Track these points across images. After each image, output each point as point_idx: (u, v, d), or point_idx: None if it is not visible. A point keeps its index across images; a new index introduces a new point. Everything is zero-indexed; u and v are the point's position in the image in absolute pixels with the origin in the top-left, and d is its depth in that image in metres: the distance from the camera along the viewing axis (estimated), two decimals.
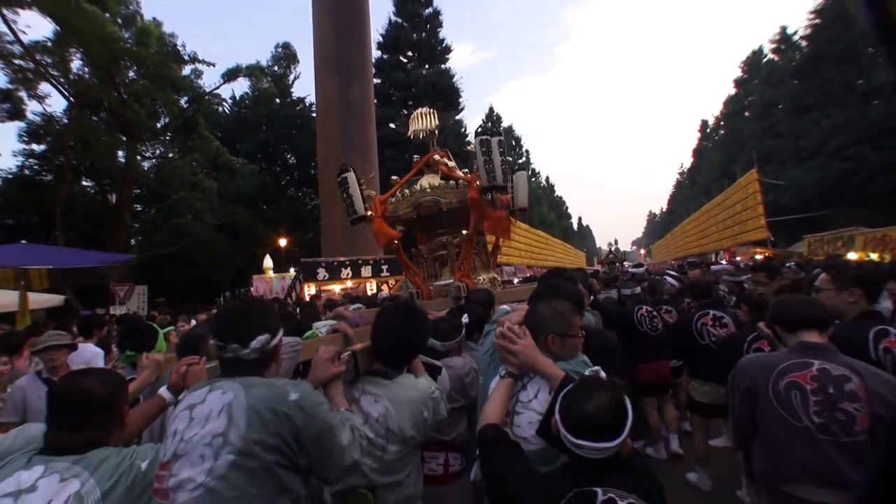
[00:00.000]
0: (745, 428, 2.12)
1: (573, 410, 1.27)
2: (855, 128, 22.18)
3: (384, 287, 13.87)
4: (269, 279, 15.75)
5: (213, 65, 23.40)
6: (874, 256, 11.57)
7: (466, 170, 4.60)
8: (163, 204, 22.68)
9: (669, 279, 6.68)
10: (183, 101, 23.20)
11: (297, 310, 8.32)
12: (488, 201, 4.12)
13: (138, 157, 22.28)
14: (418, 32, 29.12)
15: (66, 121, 19.70)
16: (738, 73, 44.65)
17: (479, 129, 3.82)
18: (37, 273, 6.60)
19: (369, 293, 12.75)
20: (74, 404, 1.39)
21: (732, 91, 45.77)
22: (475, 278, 4.31)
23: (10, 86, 18.04)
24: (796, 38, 31.59)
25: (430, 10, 29.59)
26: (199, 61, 22.56)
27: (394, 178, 4.50)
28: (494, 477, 1.38)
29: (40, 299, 10.00)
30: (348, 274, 13.38)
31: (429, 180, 4.32)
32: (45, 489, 1.26)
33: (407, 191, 4.35)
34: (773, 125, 30.37)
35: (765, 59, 39.27)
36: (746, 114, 39.62)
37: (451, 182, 4.25)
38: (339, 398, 1.74)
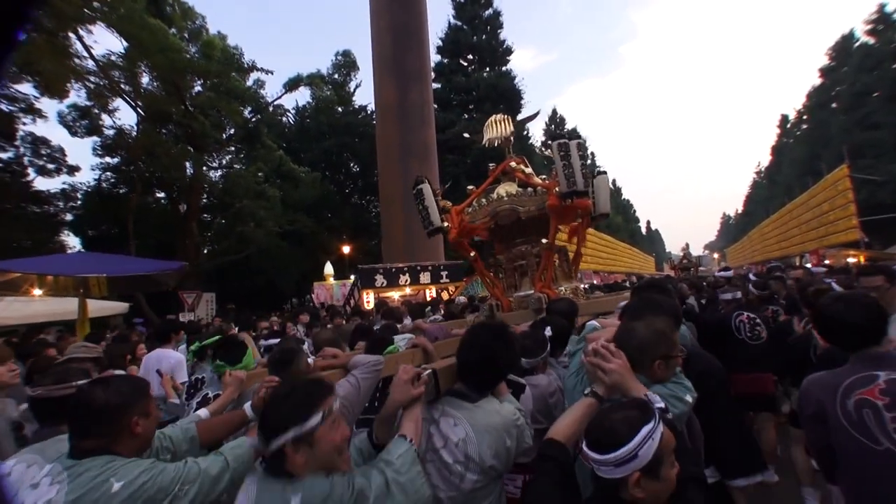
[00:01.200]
0: (823, 455, 1.89)
1: (594, 421, 1.29)
2: None
3: (444, 294, 13.71)
4: (330, 286, 16.12)
5: (272, 72, 24.01)
6: None
7: (544, 176, 4.46)
8: (228, 213, 23.67)
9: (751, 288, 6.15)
10: (247, 111, 24.16)
11: (345, 318, 8.51)
12: (570, 205, 3.96)
13: (205, 168, 23.28)
14: (478, 35, 28.95)
15: (135, 134, 20.98)
16: (823, 61, 41.08)
17: (556, 132, 3.67)
18: (95, 281, 6.86)
19: (429, 299, 12.68)
20: (78, 412, 1.47)
21: (817, 81, 42.07)
22: (556, 289, 4.16)
23: (87, 102, 19.42)
24: None
25: (489, 11, 29.34)
26: (258, 69, 23.23)
27: (470, 187, 4.42)
28: (530, 497, 1.35)
29: (105, 307, 10.55)
30: (407, 280, 13.18)
31: (506, 188, 4.22)
32: (40, 489, 1.35)
33: (484, 200, 4.26)
34: (866, 115, 27.77)
35: (857, 44, 35.84)
36: (834, 105, 36.39)
37: (529, 189, 4.12)
38: (410, 424, 1.63)
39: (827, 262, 16.61)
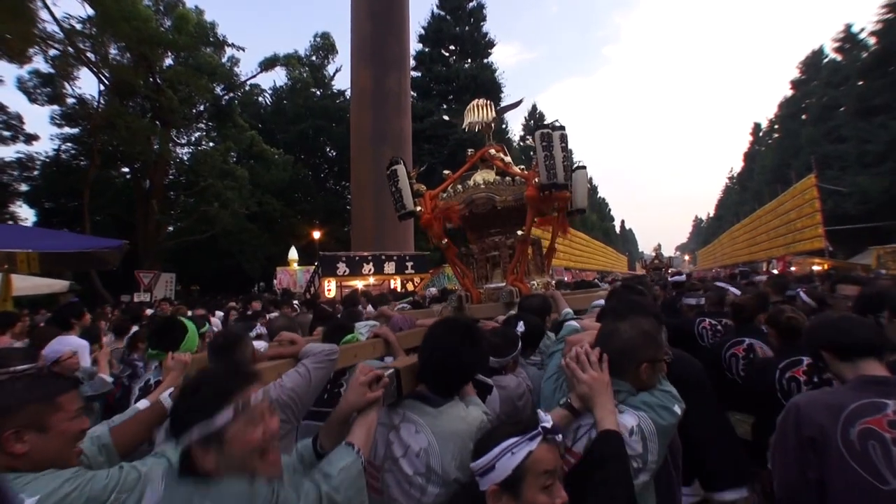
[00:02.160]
0: (800, 493, 1.61)
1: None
2: None
3: (409, 285, 13.42)
4: (294, 272, 15.73)
5: (244, 49, 23.39)
6: None
7: (522, 167, 4.31)
8: (192, 191, 22.84)
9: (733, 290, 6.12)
10: (219, 88, 23.39)
11: (303, 306, 8.13)
12: (544, 200, 3.81)
13: (172, 144, 22.49)
14: (461, 26, 28.83)
15: (99, 104, 20.01)
16: (794, 74, 42.70)
17: (539, 123, 3.50)
18: (24, 257, 6.22)
19: (392, 289, 12.43)
20: None
21: (789, 93, 43.70)
22: (528, 283, 4.01)
23: (50, 70, 18.45)
24: (863, 35, 29.76)
25: (473, 3, 29.26)
26: (230, 45, 22.54)
27: (446, 172, 4.22)
28: None
29: (39, 284, 9.87)
30: (370, 270, 12.89)
31: (483, 176, 4.04)
32: None
33: (460, 186, 4.07)
34: (833, 128, 28.72)
35: (826, 60, 37.30)
36: (804, 117, 37.75)
37: (508, 178, 3.95)
38: (361, 432, 1.42)
39: (793, 268, 17.10)
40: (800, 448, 1.59)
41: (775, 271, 16.98)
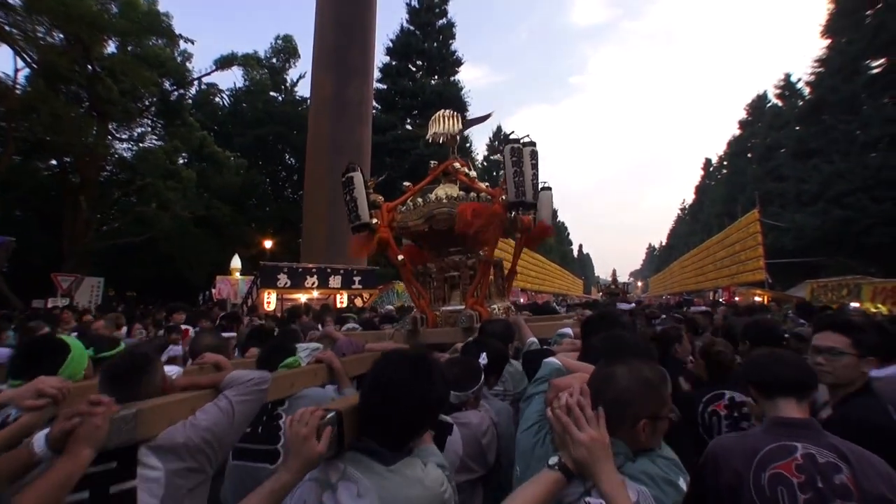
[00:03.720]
0: None
1: None
2: (855, 176, 22.10)
3: (358, 301, 12.79)
4: (235, 281, 14.76)
5: (193, 41, 22.32)
6: (883, 309, 11.21)
7: (487, 183, 4.10)
8: (128, 190, 21.26)
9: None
10: (168, 84, 22.15)
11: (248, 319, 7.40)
12: (509, 221, 3.60)
13: (110, 138, 20.86)
14: (429, 42, 28.99)
15: (15, 84, 17.77)
16: (742, 114, 45.51)
17: (510, 135, 3.30)
18: None
19: (339, 306, 11.81)
20: None
21: (737, 132, 46.47)
22: (489, 306, 3.77)
23: None
24: (800, 85, 32.07)
25: (443, 20, 29.53)
26: (180, 37, 21.34)
27: (406, 184, 3.95)
28: None
29: None
30: (314, 283, 12.23)
31: (446, 190, 3.79)
32: None
33: (420, 200, 3.80)
34: (775, 167, 30.57)
35: (769, 105, 40.02)
36: (749, 155, 40.08)
37: (472, 194, 3.72)
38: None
39: (737, 298, 17.79)
40: (719, 495, 1.55)
41: (721, 300, 17.60)
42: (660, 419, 1.26)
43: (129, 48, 19.73)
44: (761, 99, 42.57)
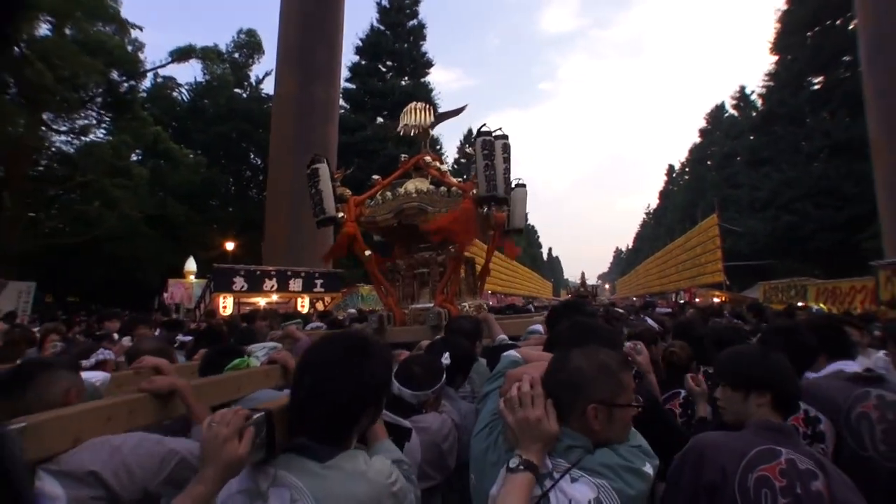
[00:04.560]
0: None
1: None
2: (801, 184, 23.45)
3: (318, 304, 12.26)
4: (189, 285, 14.00)
5: (141, 28, 21.25)
6: (823, 307, 11.77)
7: (460, 179, 4.02)
8: (66, 186, 19.69)
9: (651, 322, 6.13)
10: (117, 74, 20.78)
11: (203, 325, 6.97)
12: (482, 217, 3.52)
13: (45, 129, 19.35)
14: (400, 42, 28.89)
15: None
16: (703, 123, 47.29)
17: (482, 129, 3.23)
18: None
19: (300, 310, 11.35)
20: None
21: (697, 140, 48.25)
22: (459, 305, 3.68)
23: None
24: (753, 96, 33.70)
25: (414, 21, 29.43)
26: (126, 22, 20.12)
27: (375, 177, 3.82)
28: None
29: None
30: (273, 286, 11.62)
31: (416, 184, 3.69)
32: None
33: (389, 194, 3.68)
34: (732, 174, 31.94)
35: (726, 114, 41.81)
36: (709, 162, 41.70)
37: (443, 189, 3.62)
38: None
39: (697, 300, 18.35)
40: (694, 493, 1.49)
41: (683, 301, 18.12)
42: (616, 406, 1.16)
43: (67, 31, 18.25)
44: (719, 109, 44.48)
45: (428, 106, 3.94)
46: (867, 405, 1.94)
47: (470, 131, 41.98)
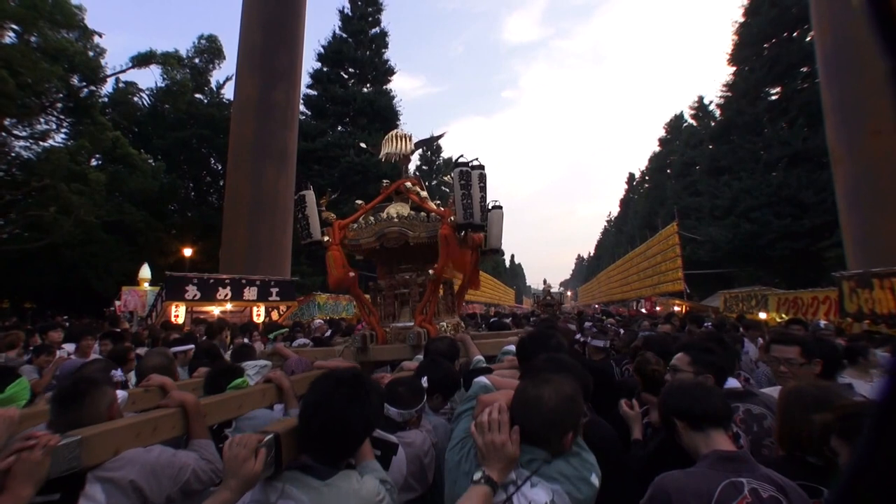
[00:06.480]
0: None
1: None
2: (760, 193, 24.04)
3: (273, 314, 12.05)
4: (144, 293, 13.59)
5: (102, 35, 20.85)
6: (785, 317, 12.23)
7: (439, 202, 4.17)
8: (21, 191, 19.21)
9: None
10: (76, 79, 20.42)
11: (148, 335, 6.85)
12: (460, 239, 3.70)
13: (4, 135, 19.00)
14: (362, 50, 28.90)
15: None
16: (662, 132, 48.40)
17: (459, 160, 3.42)
18: None
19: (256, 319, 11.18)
20: None
21: (657, 149, 49.36)
22: (437, 324, 3.83)
23: None
24: (712, 107, 34.87)
25: (376, 29, 29.57)
26: (86, 27, 19.70)
27: (358, 202, 3.94)
28: None
29: None
30: (227, 295, 11.26)
31: (397, 209, 3.83)
32: None
33: (371, 218, 3.81)
34: (691, 183, 32.72)
35: (685, 124, 42.95)
36: (668, 171, 42.67)
37: (422, 214, 3.78)
38: None
39: (658, 308, 18.86)
40: None
41: (643, 310, 18.54)
42: (580, 427, 1.40)
43: (31, 39, 17.87)
44: (678, 118, 45.59)
45: (407, 134, 4.09)
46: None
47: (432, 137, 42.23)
